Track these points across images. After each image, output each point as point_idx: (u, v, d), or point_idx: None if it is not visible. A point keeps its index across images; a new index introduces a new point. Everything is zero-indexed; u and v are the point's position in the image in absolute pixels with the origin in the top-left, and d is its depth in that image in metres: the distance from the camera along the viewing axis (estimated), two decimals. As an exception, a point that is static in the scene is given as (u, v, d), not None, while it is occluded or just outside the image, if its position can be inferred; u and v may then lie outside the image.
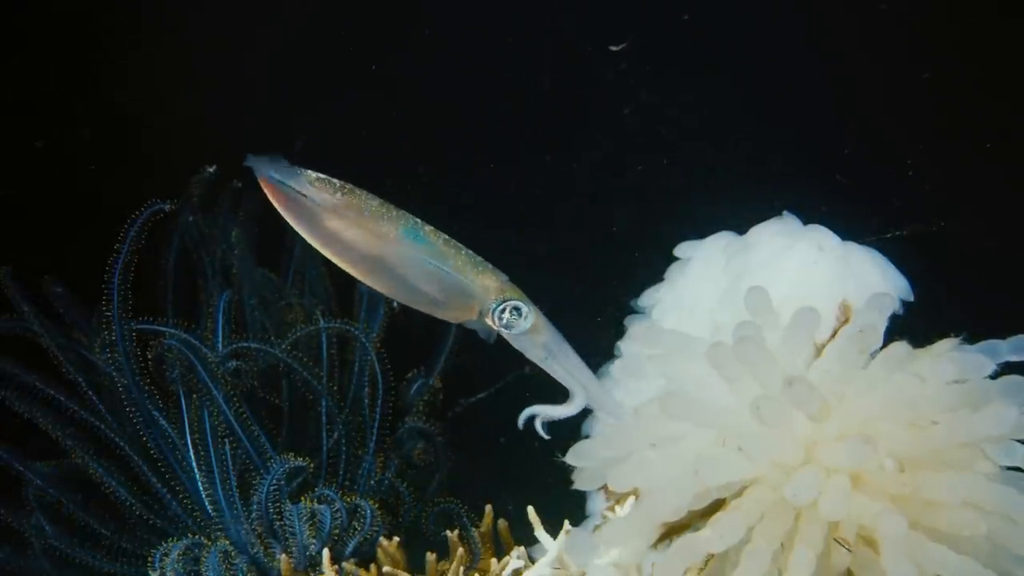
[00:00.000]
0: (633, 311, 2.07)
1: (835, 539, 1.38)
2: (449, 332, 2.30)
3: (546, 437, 1.61)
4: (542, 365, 1.65)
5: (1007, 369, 1.43)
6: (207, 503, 2.07)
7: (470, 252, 1.63)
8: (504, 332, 1.63)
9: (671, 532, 1.46)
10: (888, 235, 1.91)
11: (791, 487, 1.34)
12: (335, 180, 1.62)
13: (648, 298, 2.05)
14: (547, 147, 2.50)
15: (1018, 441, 1.40)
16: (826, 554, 1.39)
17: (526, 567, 1.82)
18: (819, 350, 1.51)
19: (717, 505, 1.44)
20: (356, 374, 2.22)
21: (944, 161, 2.34)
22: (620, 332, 2.04)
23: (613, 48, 2.35)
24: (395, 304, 2.20)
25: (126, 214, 1.96)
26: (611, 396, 1.68)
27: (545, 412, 1.64)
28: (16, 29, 2.46)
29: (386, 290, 1.65)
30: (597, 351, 1.97)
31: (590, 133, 2.49)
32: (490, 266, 1.64)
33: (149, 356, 2.06)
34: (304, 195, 1.61)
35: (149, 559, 1.99)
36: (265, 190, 1.63)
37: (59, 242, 2.38)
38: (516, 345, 1.64)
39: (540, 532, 1.74)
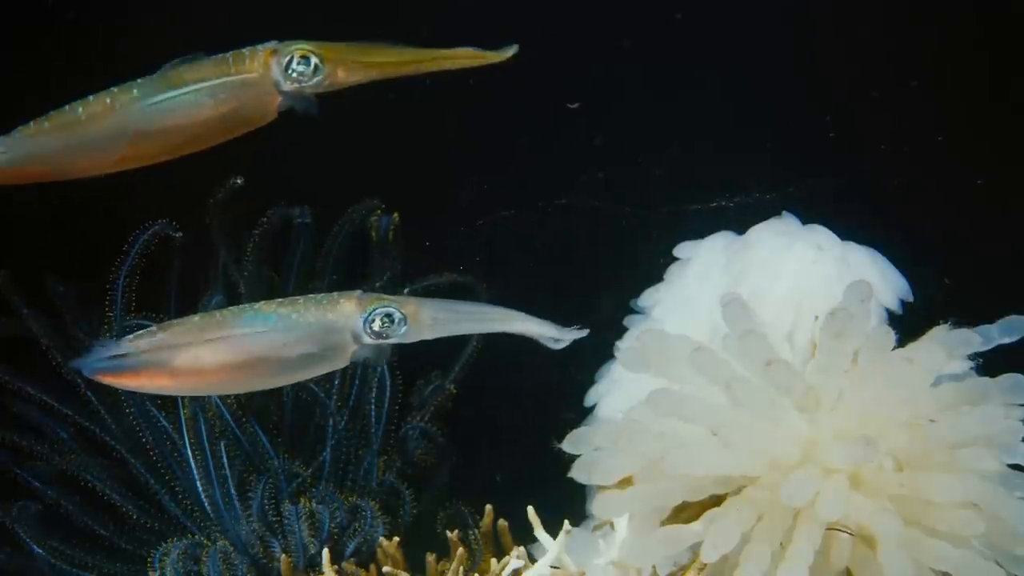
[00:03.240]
0: (633, 311, 2.07)
1: (835, 527, 1.37)
2: (468, 338, 2.26)
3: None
4: (454, 334, 1.57)
5: (1002, 354, 1.43)
6: (206, 503, 2.07)
7: (310, 295, 1.57)
8: (391, 341, 1.54)
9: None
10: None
11: (786, 489, 1.34)
12: (151, 326, 1.57)
13: (648, 298, 2.05)
14: (546, 147, 2.50)
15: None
16: (825, 553, 1.39)
17: (526, 567, 1.81)
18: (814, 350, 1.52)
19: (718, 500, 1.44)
20: (360, 375, 2.22)
21: (942, 161, 2.35)
22: (620, 332, 2.04)
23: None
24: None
25: (127, 213, 1.96)
26: (529, 316, 1.58)
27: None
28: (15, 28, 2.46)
29: (276, 383, 1.59)
30: (599, 351, 1.97)
31: (588, 132, 2.49)
32: (335, 294, 1.57)
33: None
34: (135, 358, 1.52)
35: (148, 560, 1.99)
36: (104, 381, 1.56)
37: (58, 242, 2.38)
38: (413, 340, 1.55)
39: (540, 532, 1.74)
